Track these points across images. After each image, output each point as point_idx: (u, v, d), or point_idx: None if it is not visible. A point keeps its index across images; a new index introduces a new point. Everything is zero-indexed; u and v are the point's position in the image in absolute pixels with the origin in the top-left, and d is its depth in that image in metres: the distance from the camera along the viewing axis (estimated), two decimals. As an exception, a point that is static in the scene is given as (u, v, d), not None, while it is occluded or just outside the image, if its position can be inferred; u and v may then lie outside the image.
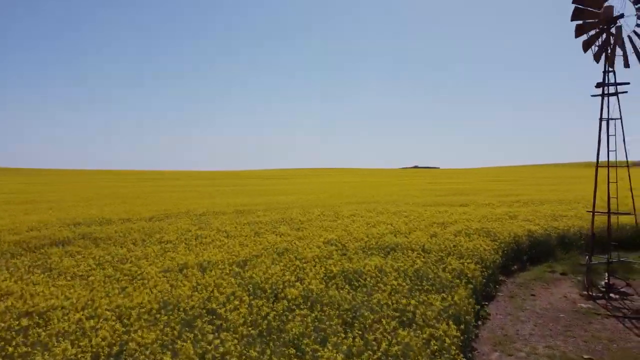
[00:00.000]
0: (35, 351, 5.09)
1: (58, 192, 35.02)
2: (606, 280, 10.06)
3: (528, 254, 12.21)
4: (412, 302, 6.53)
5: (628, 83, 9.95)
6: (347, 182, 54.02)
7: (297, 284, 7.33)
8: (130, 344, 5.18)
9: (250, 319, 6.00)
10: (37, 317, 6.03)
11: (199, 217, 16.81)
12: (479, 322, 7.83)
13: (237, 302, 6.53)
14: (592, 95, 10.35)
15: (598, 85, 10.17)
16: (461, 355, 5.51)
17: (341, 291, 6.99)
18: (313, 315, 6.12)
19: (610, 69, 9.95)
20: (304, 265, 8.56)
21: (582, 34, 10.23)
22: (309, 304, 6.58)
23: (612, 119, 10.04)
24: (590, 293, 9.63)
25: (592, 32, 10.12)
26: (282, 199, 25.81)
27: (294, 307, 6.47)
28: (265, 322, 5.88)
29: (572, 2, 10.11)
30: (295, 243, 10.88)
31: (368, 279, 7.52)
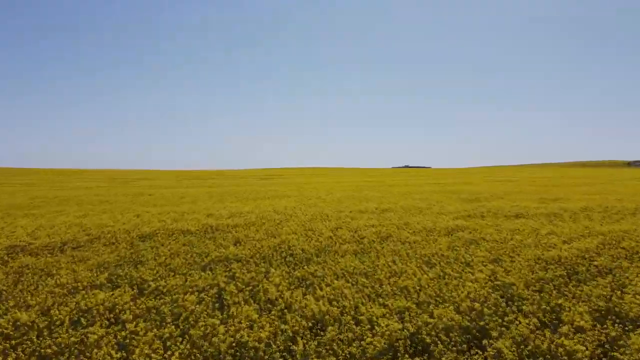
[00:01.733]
0: None
1: (11, 196, 27.62)
2: None
3: None
4: None
5: None
6: (345, 182, 47.03)
7: None
8: None
9: None
10: None
11: (139, 244, 9.79)
12: None
13: None
14: None
15: None
16: None
17: None
18: None
19: None
20: None
21: None
22: None
23: None
24: None
25: None
26: (276, 204, 18.79)
27: None
28: None
29: None
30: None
31: None
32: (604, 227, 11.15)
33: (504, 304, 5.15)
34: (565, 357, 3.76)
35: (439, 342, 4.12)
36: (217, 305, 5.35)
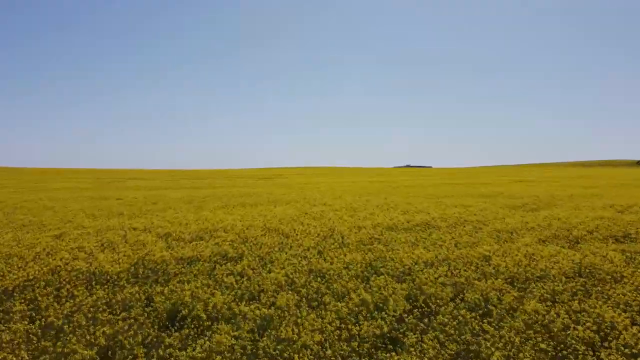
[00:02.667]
0: None
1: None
2: None
3: None
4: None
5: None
6: (350, 182, 41.67)
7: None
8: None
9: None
10: None
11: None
12: None
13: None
14: None
15: None
16: None
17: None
18: None
19: None
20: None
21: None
22: None
23: None
24: None
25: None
26: (270, 213, 13.44)
27: None
28: None
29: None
30: None
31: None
32: None
33: None
34: None
35: None
36: None
